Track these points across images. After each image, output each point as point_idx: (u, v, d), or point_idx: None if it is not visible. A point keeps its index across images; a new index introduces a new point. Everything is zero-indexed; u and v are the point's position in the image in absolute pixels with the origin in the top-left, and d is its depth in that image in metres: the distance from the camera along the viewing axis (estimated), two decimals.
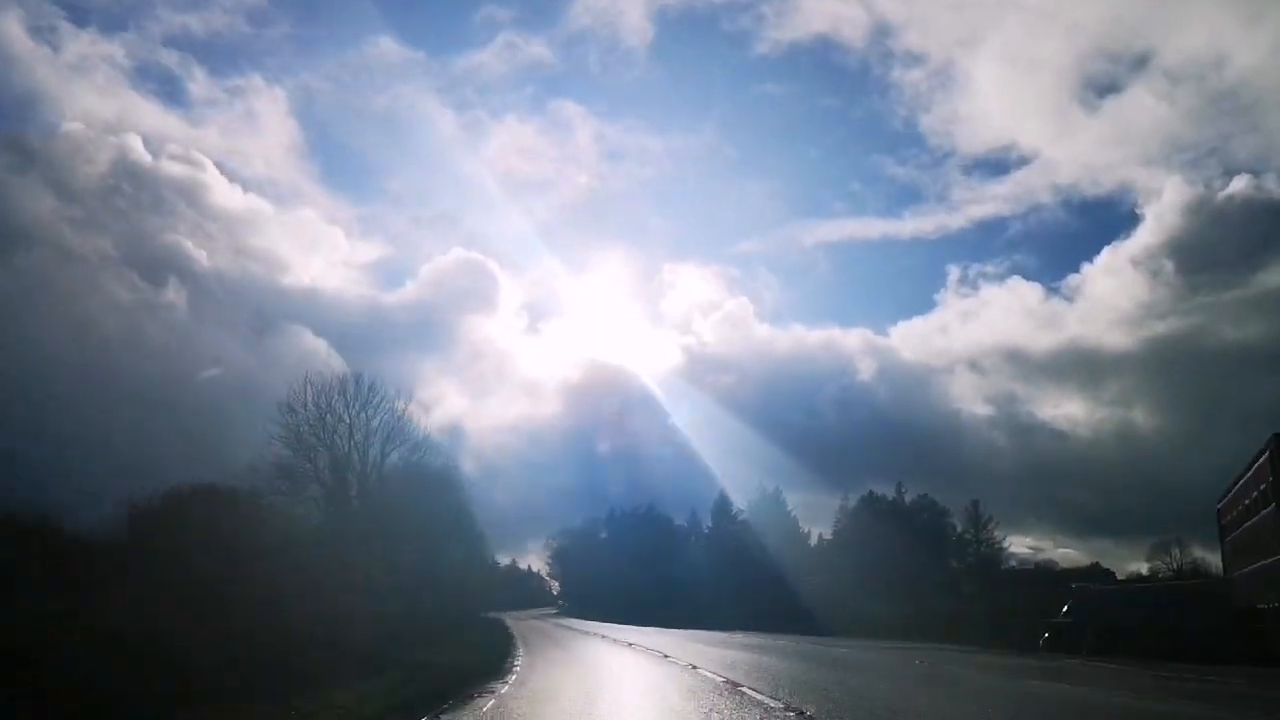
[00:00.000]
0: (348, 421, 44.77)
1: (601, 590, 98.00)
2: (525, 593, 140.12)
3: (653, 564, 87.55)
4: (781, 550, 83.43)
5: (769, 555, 79.60)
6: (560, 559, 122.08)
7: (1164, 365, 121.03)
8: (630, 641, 38.49)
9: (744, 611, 69.07)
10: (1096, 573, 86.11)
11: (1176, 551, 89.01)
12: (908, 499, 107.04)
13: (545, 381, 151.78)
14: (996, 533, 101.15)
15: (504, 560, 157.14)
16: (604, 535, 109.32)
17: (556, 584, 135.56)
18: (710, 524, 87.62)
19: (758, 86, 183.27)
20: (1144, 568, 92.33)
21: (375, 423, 45.59)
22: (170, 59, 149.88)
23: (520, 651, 32.63)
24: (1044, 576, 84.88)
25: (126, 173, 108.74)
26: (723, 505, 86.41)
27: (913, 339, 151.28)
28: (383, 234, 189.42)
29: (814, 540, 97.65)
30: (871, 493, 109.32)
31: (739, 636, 46.74)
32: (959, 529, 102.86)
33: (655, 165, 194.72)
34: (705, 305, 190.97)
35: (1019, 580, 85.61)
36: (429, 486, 47.24)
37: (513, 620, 68.35)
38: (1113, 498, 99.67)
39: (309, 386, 43.48)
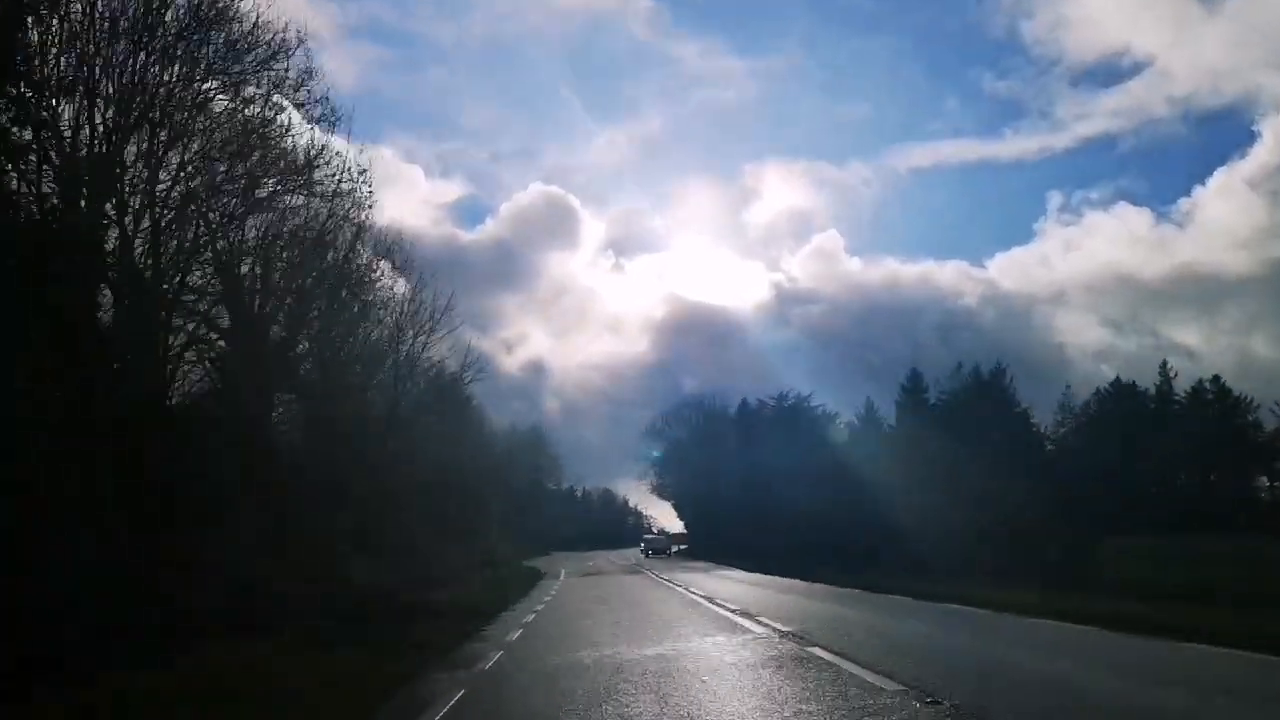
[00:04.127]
0: None
1: (728, 523, 69.12)
2: (622, 530, 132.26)
3: (807, 481, 57.24)
4: (1008, 454, 52.85)
5: (994, 462, 48.77)
6: (672, 462, 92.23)
7: None
8: None
9: (976, 556, 38.04)
10: None
11: None
12: (1178, 387, 73.87)
13: (630, 318, 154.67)
14: None
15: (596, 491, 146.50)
16: (732, 443, 79.90)
17: (669, 506, 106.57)
18: (895, 421, 56.35)
19: None
20: None
21: None
22: None
23: None
24: None
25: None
26: (914, 388, 54.91)
27: (1013, 271, 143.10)
28: (462, 171, 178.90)
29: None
30: (1118, 379, 76.59)
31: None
32: (1268, 429, 69.34)
33: (737, 89, 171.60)
34: (793, 239, 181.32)
35: None
36: None
37: (573, 577, 40.41)
38: None
39: None
